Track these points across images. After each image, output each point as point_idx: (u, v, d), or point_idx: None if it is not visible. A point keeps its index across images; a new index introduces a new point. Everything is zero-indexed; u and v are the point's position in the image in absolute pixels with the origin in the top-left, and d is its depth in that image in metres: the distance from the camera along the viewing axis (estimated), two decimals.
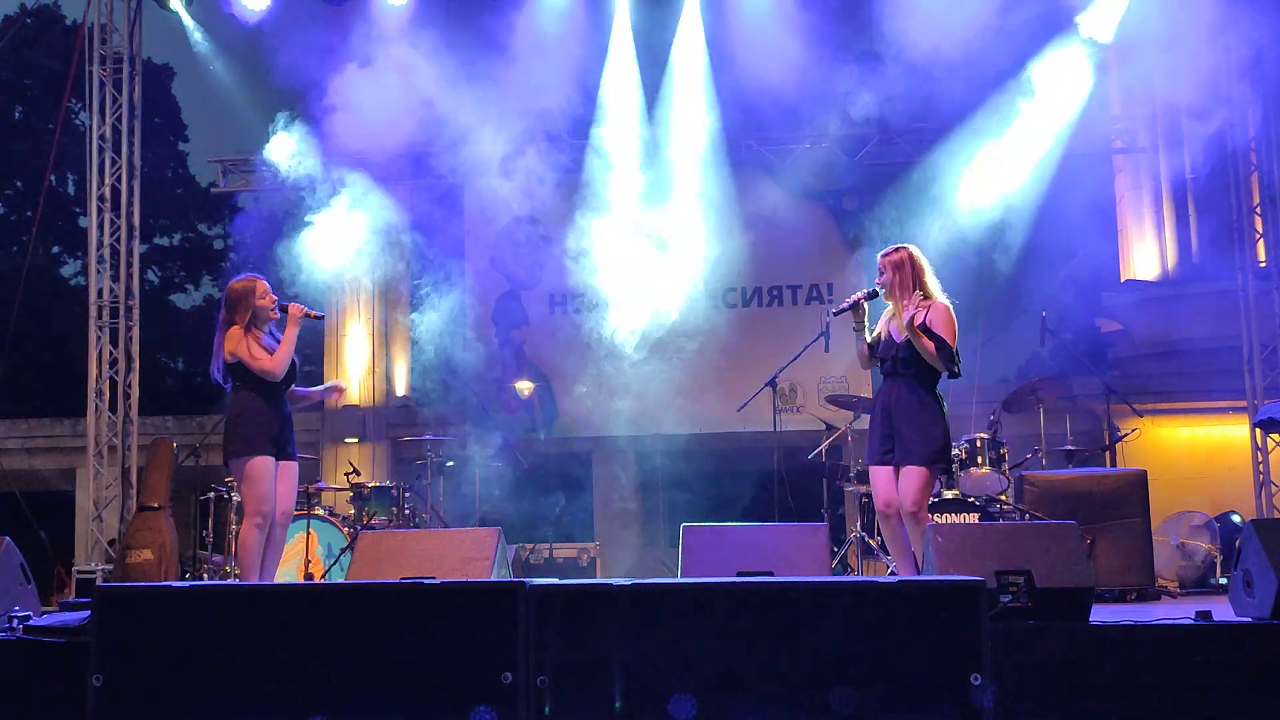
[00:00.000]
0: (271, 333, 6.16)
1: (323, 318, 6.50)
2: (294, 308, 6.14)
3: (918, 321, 5.72)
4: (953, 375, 5.81)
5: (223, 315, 6.09)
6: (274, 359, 6.01)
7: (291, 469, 6.15)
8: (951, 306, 5.85)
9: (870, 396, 8.11)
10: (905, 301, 5.79)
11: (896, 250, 5.91)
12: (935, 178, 10.28)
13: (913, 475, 5.71)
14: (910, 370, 5.79)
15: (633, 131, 10.78)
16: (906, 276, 5.82)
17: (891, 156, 10.99)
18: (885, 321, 5.96)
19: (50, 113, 18.72)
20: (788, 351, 8.33)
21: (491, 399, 10.76)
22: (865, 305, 5.91)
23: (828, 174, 11.16)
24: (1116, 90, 10.94)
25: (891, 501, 5.82)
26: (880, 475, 5.86)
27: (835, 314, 6.10)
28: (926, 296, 5.83)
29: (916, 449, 5.71)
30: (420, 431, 9.72)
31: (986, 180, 10.07)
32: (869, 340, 5.97)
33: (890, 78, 9.93)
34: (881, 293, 5.90)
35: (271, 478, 5.95)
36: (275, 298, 6.18)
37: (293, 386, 6.24)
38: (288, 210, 10.32)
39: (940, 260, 9.23)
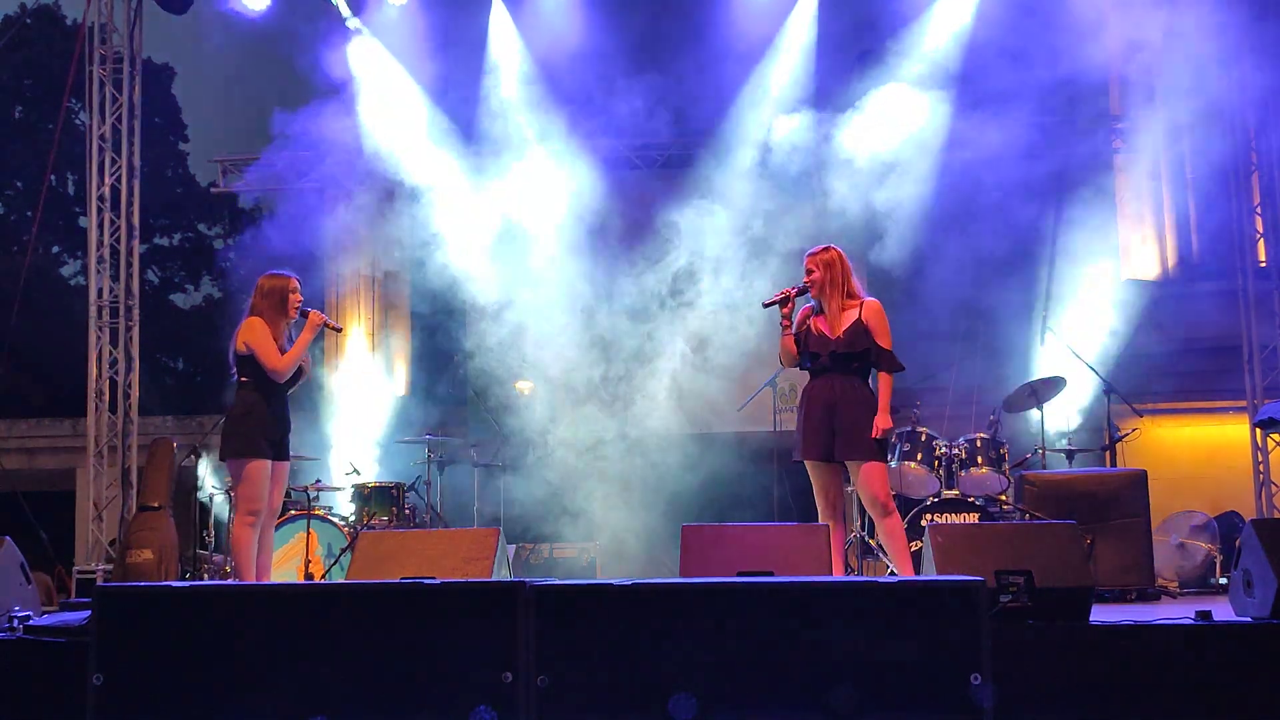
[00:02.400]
0: (288, 334, 6.19)
1: (340, 330, 6.54)
2: (315, 315, 6.17)
3: (850, 321, 5.82)
4: (900, 370, 5.91)
5: (249, 304, 6.16)
6: (283, 359, 6.04)
7: (283, 469, 6.24)
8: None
9: None
10: (835, 299, 5.88)
11: (825, 250, 6.00)
12: (934, 177, 10.26)
13: (874, 470, 5.80)
14: (850, 366, 5.88)
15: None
16: (836, 274, 5.92)
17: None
18: (814, 318, 5.99)
19: (50, 113, 18.73)
20: None
21: (492, 398, 10.73)
22: (795, 300, 5.98)
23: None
24: (1116, 90, 10.93)
25: (839, 494, 5.94)
26: (824, 470, 5.93)
27: (765, 305, 6.17)
28: (853, 295, 5.94)
29: (866, 443, 5.79)
30: (420, 431, 9.71)
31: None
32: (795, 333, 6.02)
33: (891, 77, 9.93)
34: (810, 290, 5.96)
35: (267, 479, 6.02)
36: (301, 299, 6.21)
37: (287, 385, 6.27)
38: (287, 209, 10.32)
39: (940, 260, 9.21)
